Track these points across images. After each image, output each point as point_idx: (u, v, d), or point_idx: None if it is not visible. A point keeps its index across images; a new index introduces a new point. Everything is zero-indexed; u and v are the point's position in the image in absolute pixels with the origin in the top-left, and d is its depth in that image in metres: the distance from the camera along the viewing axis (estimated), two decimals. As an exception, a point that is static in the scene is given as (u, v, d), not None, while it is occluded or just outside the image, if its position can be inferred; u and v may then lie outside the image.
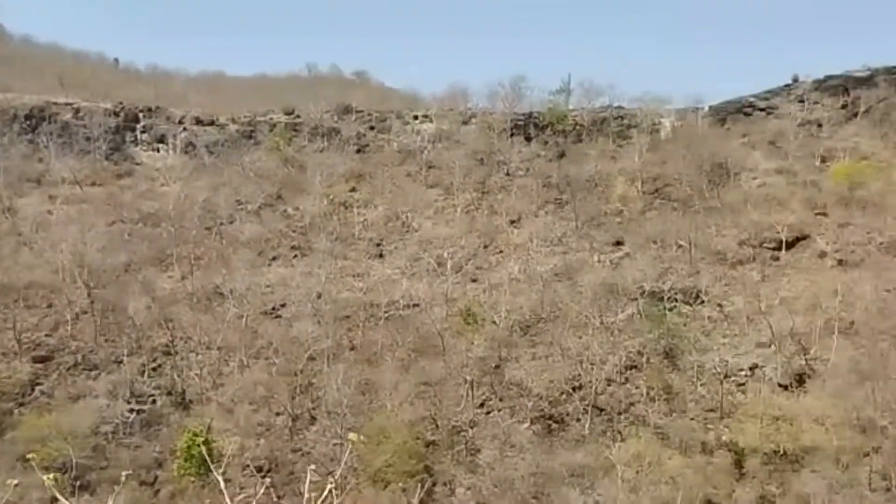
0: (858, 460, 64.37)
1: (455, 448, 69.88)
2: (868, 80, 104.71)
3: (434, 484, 66.17)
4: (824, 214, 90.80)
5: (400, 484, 62.43)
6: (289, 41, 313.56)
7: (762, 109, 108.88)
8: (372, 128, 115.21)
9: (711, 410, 73.03)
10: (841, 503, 59.79)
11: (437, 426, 71.05)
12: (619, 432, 71.34)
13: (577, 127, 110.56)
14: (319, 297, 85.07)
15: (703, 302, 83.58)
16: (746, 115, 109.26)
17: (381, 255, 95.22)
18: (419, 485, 60.92)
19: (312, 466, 14.05)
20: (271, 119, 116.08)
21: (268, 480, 57.56)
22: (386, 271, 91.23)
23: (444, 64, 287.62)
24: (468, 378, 73.79)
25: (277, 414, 73.42)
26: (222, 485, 12.27)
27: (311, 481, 13.51)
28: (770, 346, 76.89)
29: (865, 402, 66.71)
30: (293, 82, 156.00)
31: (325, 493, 12.37)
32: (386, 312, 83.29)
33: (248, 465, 63.99)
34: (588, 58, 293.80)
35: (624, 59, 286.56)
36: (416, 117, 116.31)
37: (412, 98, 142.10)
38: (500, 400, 74.66)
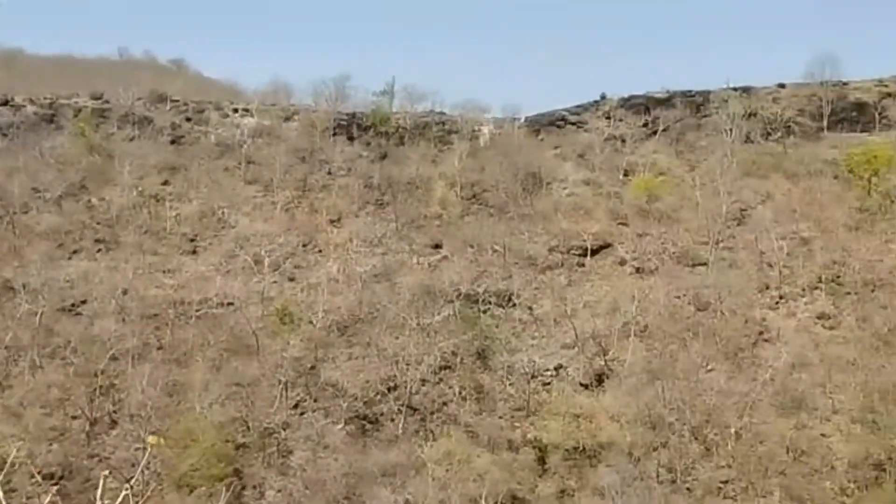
0: (648, 454, 69.67)
1: (267, 450, 68.62)
2: (667, 101, 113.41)
3: (243, 487, 64.62)
4: (625, 224, 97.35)
5: (205, 488, 60.43)
6: (99, 21, 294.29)
7: (573, 123, 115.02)
8: (188, 119, 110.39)
9: (519, 409, 76.35)
10: (632, 496, 64.27)
11: (248, 428, 69.45)
12: (432, 431, 73.02)
13: (400, 130, 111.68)
14: (125, 293, 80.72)
15: (514, 305, 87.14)
16: (559, 127, 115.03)
17: (194, 252, 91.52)
18: (225, 488, 59.24)
19: (106, 472, 13.29)
20: (76, 103, 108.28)
21: (55, 489, 53.88)
22: (199, 268, 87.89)
23: (266, 58, 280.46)
24: (283, 379, 72.69)
25: (74, 417, 68.93)
26: (0, 495, 11.44)
27: (108, 488, 12.81)
28: (574, 347, 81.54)
29: (656, 400, 72.31)
30: (103, 66, 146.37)
31: (120, 499, 11.77)
32: (198, 311, 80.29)
33: (36, 473, 59.40)
34: (412, 62, 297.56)
35: (446, 65, 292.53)
36: (236, 110, 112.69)
37: (232, 90, 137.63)
38: (315, 401, 74.09)
